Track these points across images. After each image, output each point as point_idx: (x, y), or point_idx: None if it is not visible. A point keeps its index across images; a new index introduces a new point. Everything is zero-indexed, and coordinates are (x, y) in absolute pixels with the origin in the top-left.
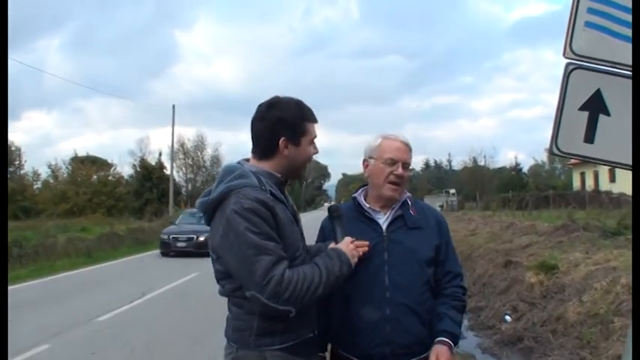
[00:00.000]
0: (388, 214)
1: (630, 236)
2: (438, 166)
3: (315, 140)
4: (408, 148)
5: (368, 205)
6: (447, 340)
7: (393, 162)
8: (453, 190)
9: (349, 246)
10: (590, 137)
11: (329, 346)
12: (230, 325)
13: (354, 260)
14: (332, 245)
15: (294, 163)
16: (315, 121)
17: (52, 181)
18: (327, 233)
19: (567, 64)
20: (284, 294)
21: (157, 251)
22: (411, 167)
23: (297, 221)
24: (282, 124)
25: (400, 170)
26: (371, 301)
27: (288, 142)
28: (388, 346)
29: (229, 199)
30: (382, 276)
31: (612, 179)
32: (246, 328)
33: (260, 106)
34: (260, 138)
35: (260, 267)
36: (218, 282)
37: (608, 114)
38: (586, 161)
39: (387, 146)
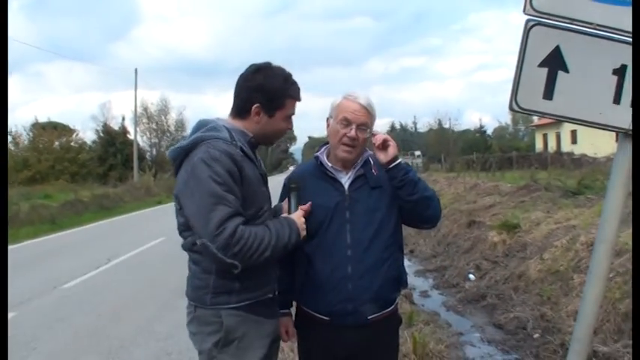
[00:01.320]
0: (350, 173)
1: (590, 196)
2: (403, 128)
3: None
4: (366, 109)
5: (330, 165)
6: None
7: (347, 123)
8: (418, 152)
9: (300, 219)
10: (549, 94)
11: (294, 304)
12: (189, 284)
13: (302, 233)
14: (284, 215)
15: (263, 131)
16: (297, 98)
17: (12, 148)
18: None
19: (527, 21)
20: (233, 247)
21: (123, 217)
22: (369, 129)
23: (265, 182)
24: (260, 90)
25: (353, 132)
26: (333, 259)
27: (261, 110)
28: (350, 303)
29: (198, 148)
30: (344, 234)
31: (574, 141)
32: (204, 286)
33: (250, 66)
34: (238, 97)
35: (216, 216)
36: (180, 234)
37: (567, 70)
38: (545, 117)
39: (344, 107)
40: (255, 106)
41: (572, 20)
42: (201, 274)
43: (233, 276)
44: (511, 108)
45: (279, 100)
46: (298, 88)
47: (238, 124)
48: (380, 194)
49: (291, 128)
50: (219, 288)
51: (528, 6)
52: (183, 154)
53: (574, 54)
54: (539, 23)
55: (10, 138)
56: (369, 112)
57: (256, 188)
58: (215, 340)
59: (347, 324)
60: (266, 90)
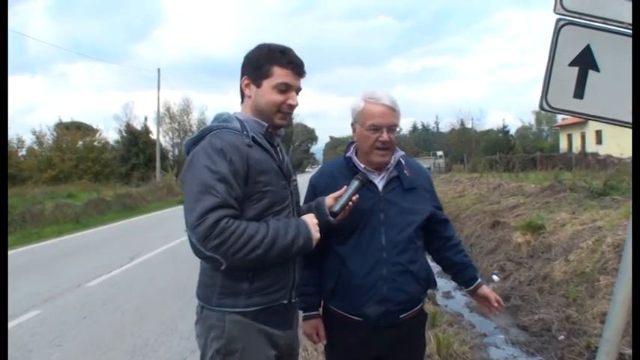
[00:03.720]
0: (383, 174)
1: (616, 197)
2: (425, 128)
3: (297, 94)
4: (392, 110)
5: (363, 166)
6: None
7: (376, 128)
8: (440, 153)
9: (313, 220)
10: (579, 93)
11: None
12: (198, 282)
13: (316, 236)
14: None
15: (257, 106)
16: (287, 67)
17: (36, 147)
18: (318, 192)
19: (558, 20)
20: (213, 240)
21: (145, 216)
22: (398, 128)
23: (285, 176)
24: (246, 62)
25: (385, 136)
26: (368, 262)
27: (250, 82)
28: (384, 305)
29: (205, 138)
30: (379, 237)
31: (599, 141)
32: (211, 284)
33: None
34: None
35: (200, 206)
36: None
37: (597, 70)
38: (575, 117)
39: (369, 112)
40: (244, 79)
41: (603, 19)
42: (209, 272)
43: (242, 275)
44: (541, 107)
45: (264, 68)
46: (291, 59)
47: (246, 112)
48: (414, 196)
49: (292, 103)
50: (226, 288)
51: (559, 5)
52: (193, 145)
53: (605, 53)
54: (570, 22)
55: (34, 138)
56: (395, 111)
57: (270, 180)
58: (217, 347)
59: (380, 324)
60: (250, 60)
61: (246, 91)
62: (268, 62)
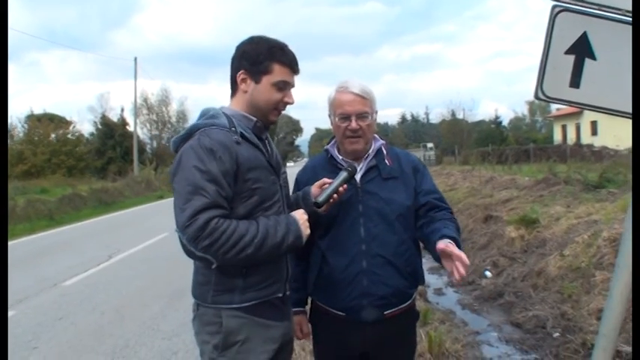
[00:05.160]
0: (362, 164)
1: (613, 189)
2: (415, 119)
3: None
4: (360, 97)
5: (341, 157)
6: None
7: (345, 117)
8: (430, 144)
9: (303, 217)
10: (576, 82)
11: (309, 300)
12: (193, 280)
13: (306, 232)
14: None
15: (254, 102)
16: (285, 64)
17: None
18: (302, 187)
19: (553, 7)
20: (203, 240)
21: (123, 212)
22: (371, 115)
23: (275, 170)
24: (243, 56)
25: (354, 124)
26: (347, 254)
27: (247, 76)
28: (366, 298)
29: (193, 137)
30: (357, 228)
31: (594, 132)
32: (206, 282)
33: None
34: (230, 75)
35: (190, 206)
36: None
37: (594, 58)
38: (572, 106)
39: (338, 101)
40: (239, 73)
41: (599, 6)
42: (204, 270)
43: (236, 272)
44: (537, 97)
45: (264, 64)
46: (290, 57)
47: (236, 107)
48: (394, 186)
49: (289, 101)
50: (220, 285)
51: None
52: (181, 143)
53: (602, 41)
54: (566, 9)
55: None
56: (364, 99)
57: (260, 176)
58: (215, 342)
59: (363, 319)
60: (248, 54)
61: (242, 86)
62: (269, 59)
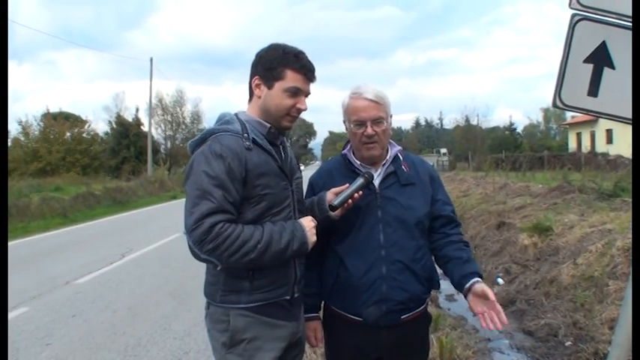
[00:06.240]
0: (380, 170)
1: (627, 199)
2: (428, 124)
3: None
4: (375, 102)
5: (359, 162)
6: (481, 280)
7: (360, 123)
8: (444, 150)
9: (310, 223)
10: (594, 90)
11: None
12: (205, 280)
13: (312, 239)
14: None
15: (266, 107)
16: (298, 70)
17: (22, 138)
18: (317, 191)
19: (573, 15)
20: (208, 244)
21: (136, 211)
22: (386, 120)
23: (287, 176)
24: (259, 62)
25: (370, 130)
26: (366, 260)
27: (260, 82)
28: (384, 304)
29: (207, 141)
30: (377, 234)
31: (609, 140)
32: (215, 282)
33: None
34: (249, 79)
35: (197, 210)
36: None
37: (613, 67)
38: (590, 115)
39: (352, 107)
40: (254, 78)
41: (619, 15)
42: (214, 270)
43: (243, 274)
44: (555, 105)
45: (277, 70)
46: (304, 63)
47: (252, 112)
48: (412, 192)
49: (301, 107)
50: (228, 286)
51: (574, 0)
52: (196, 147)
53: (621, 50)
54: (586, 18)
55: (20, 128)
56: (378, 104)
57: (270, 182)
58: (224, 340)
59: (380, 324)
60: (263, 60)
61: (256, 91)
62: (282, 64)
